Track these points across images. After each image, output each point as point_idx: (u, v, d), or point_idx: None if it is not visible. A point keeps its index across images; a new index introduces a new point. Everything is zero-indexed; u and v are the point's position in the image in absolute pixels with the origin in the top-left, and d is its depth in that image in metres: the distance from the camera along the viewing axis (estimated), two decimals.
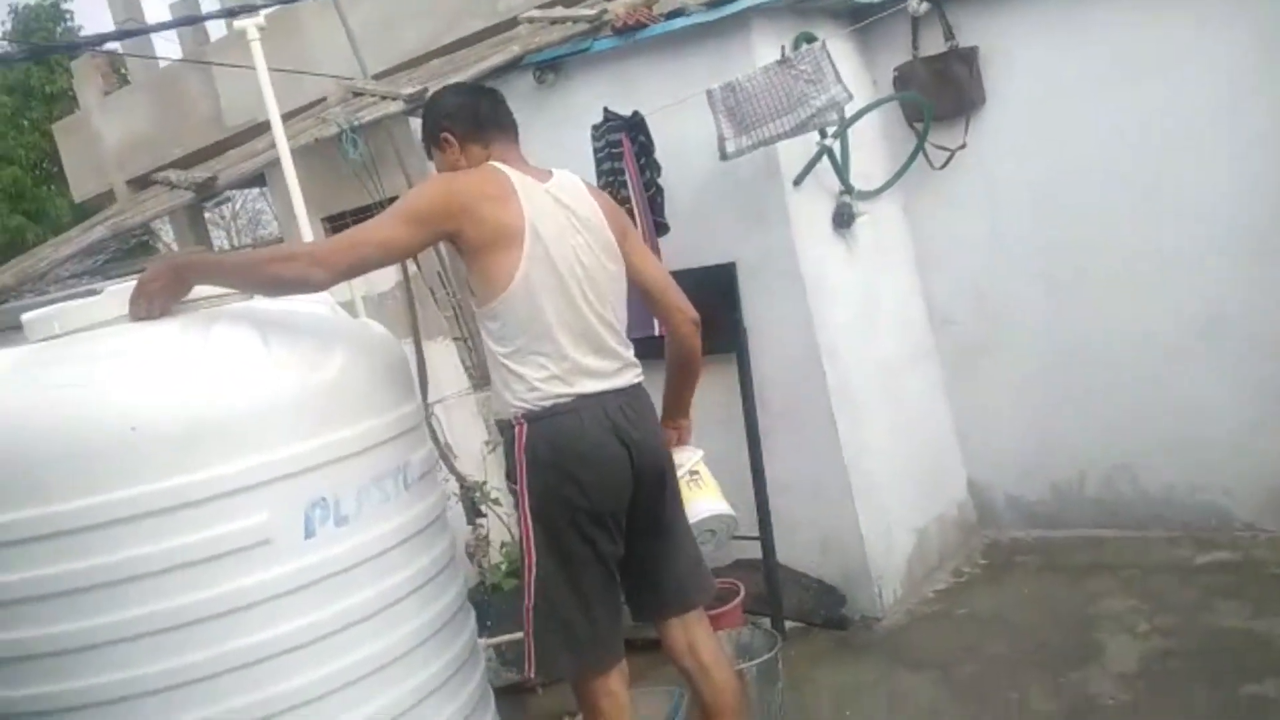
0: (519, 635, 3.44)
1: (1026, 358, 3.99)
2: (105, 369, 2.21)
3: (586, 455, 2.33)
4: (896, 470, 3.87)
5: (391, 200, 4.38)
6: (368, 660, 2.29)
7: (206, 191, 3.59)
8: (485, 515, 3.93)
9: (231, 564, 2.16)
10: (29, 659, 2.13)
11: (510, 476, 2.41)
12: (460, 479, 3.87)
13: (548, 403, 2.34)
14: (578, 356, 2.36)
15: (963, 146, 3.88)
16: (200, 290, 2.39)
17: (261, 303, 2.68)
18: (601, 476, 2.34)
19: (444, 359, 4.24)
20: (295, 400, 2.29)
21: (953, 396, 4.19)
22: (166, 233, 9.66)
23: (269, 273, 2.31)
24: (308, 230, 3.26)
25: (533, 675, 2.44)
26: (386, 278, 4.10)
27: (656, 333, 3.52)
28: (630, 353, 2.51)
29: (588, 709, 2.44)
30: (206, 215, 10.84)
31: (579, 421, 2.33)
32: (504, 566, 3.82)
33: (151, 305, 2.26)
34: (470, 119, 2.47)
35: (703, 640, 2.53)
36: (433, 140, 2.51)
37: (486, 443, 4.15)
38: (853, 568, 3.69)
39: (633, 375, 2.48)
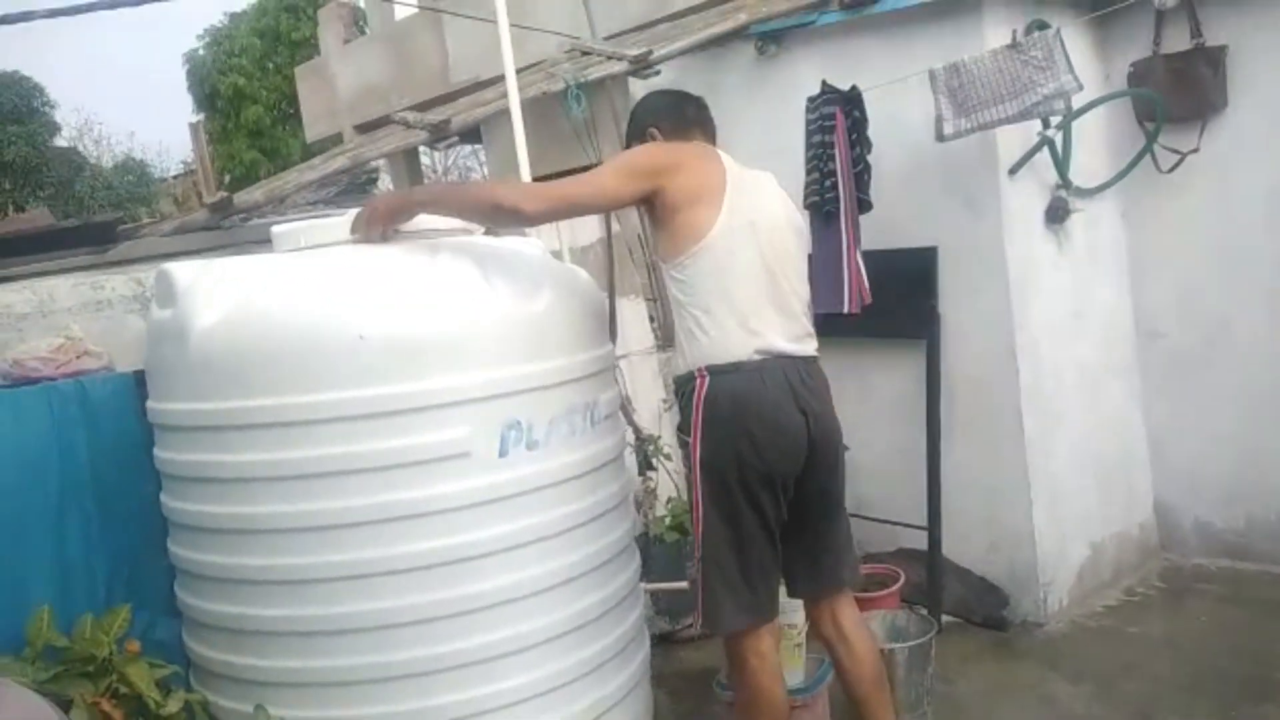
0: (674, 585, 3.62)
1: (1235, 379, 3.77)
2: (342, 281, 2.44)
3: (765, 414, 2.36)
4: (1081, 480, 3.75)
5: (599, 163, 4.58)
6: (549, 575, 2.46)
7: (439, 134, 3.82)
8: (655, 469, 4.06)
9: (435, 470, 2.36)
10: (253, 533, 2.40)
11: (684, 429, 2.44)
12: (637, 430, 4.01)
13: (731, 358, 2.39)
14: (765, 316, 2.40)
15: (1195, 150, 3.68)
16: (422, 222, 2.59)
17: (481, 238, 2.88)
18: (777, 438, 2.37)
19: (634, 316, 4.38)
20: (504, 328, 2.47)
21: (1150, 412, 4.01)
22: (385, 181, 10.26)
23: (488, 196, 2.51)
24: (528, 179, 3.43)
25: (700, 626, 2.50)
26: (590, 232, 4.27)
27: (845, 309, 3.57)
28: (811, 324, 2.54)
29: (737, 666, 2.50)
30: (424, 164, 11.45)
31: (761, 380, 2.36)
32: (667, 520, 3.94)
33: (373, 226, 2.48)
34: (677, 118, 2.63)
35: (846, 611, 2.58)
36: (638, 137, 2.64)
37: (664, 400, 4.27)
38: (1020, 570, 3.62)
39: (813, 346, 2.52)
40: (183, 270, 2.53)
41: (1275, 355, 3.67)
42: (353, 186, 5.00)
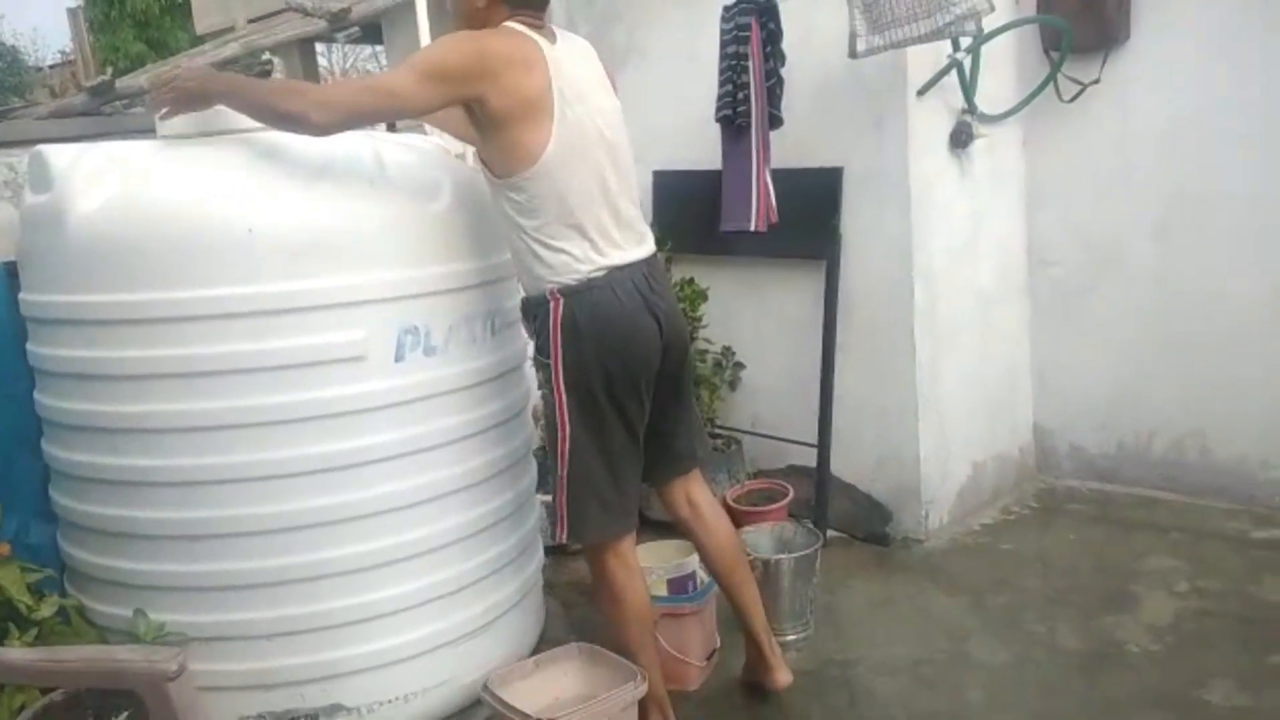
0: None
1: (1120, 310, 3.92)
2: (232, 172, 2.33)
3: (623, 328, 2.34)
4: (966, 402, 3.87)
5: None
6: (441, 482, 2.45)
7: (339, 23, 3.65)
8: None
9: (328, 372, 2.31)
10: (137, 433, 2.31)
11: (542, 351, 2.38)
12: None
13: (581, 276, 2.32)
14: (607, 228, 2.35)
15: (1096, 81, 3.75)
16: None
17: (380, 135, 2.77)
18: (636, 348, 2.37)
19: None
20: (400, 228, 2.41)
21: (1036, 339, 4.15)
22: (278, 74, 9.79)
23: (273, 104, 2.24)
24: None
25: (564, 539, 2.50)
26: None
27: (752, 228, 3.58)
28: (642, 217, 2.49)
29: (603, 575, 2.49)
30: (321, 65, 10.94)
31: (613, 295, 2.33)
32: None
33: (176, 104, 2.31)
34: None
35: (698, 492, 2.65)
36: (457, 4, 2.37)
37: None
38: (904, 488, 3.74)
39: (650, 243, 2.48)
40: (60, 153, 2.39)
41: (1157, 289, 3.82)
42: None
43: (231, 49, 3.91)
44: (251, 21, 9.31)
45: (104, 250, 2.26)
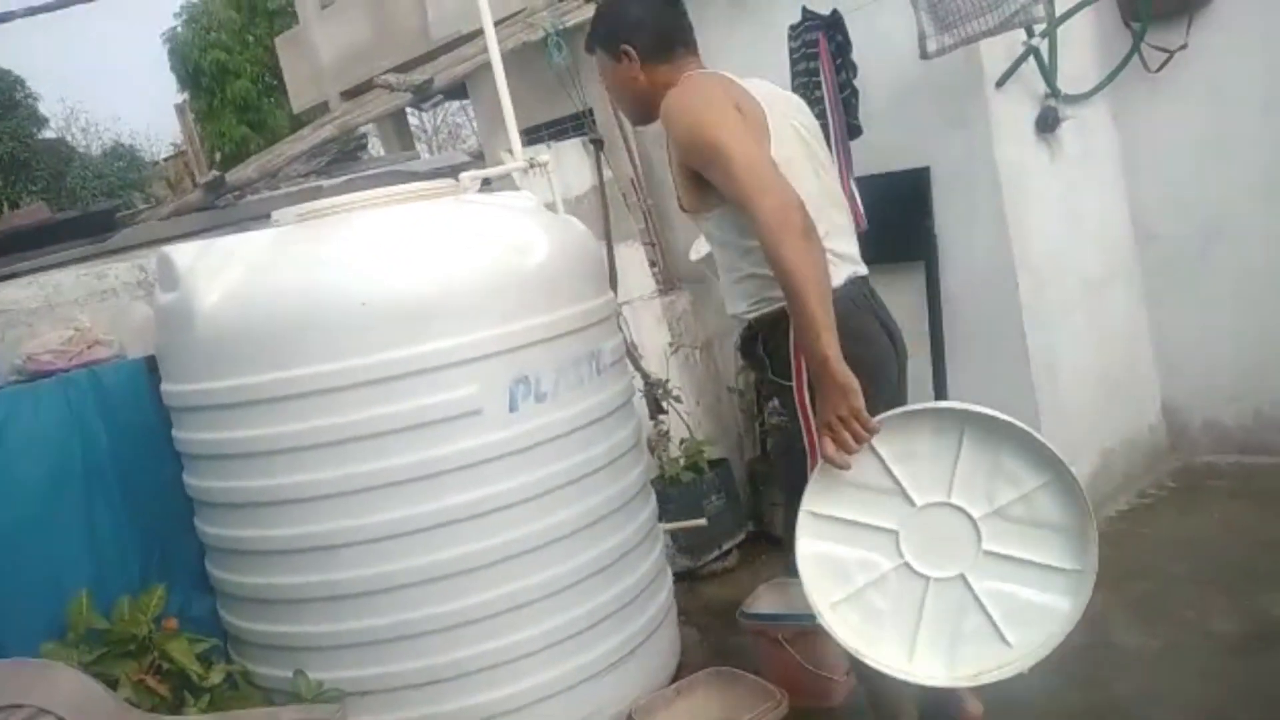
0: (692, 524, 3.68)
1: (1233, 276, 3.77)
2: (338, 250, 2.47)
3: (866, 340, 2.16)
4: (1087, 391, 3.77)
5: (588, 111, 4.55)
6: (566, 523, 2.53)
7: (423, 93, 3.82)
8: (666, 412, 4.11)
9: (447, 430, 2.41)
10: (274, 505, 2.46)
11: (780, 373, 2.16)
12: (645, 376, 4.05)
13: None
14: (837, 239, 2.20)
15: (1183, 47, 3.64)
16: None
17: (476, 198, 2.89)
18: (878, 361, 2.20)
19: (633, 262, 4.39)
20: (503, 285, 2.50)
21: (1153, 315, 4.02)
22: (375, 145, 10.24)
23: (818, 276, 1.97)
24: (515, 133, 3.42)
25: None
26: (583, 181, 4.26)
27: None
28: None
29: None
30: (413, 124, 11.37)
31: (854, 307, 2.16)
32: (681, 461, 3.99)
33: (847, 428, 1.97)
34: (655, 34, 2.25)
35: None
36: (608, 49, 2.30)
37: (670, 344, 4.30)
38: None
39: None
40: (182, 253, 2.56)
41: (1268, 252, 3.67)
42: (343, 154, 5.00)
43: (328, 130, 4.13)
44: (342, 93, 9.78)
45: (228, 339, 2.42)
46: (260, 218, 2.97)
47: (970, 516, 2.02)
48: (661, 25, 2.28)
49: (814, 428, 2.07)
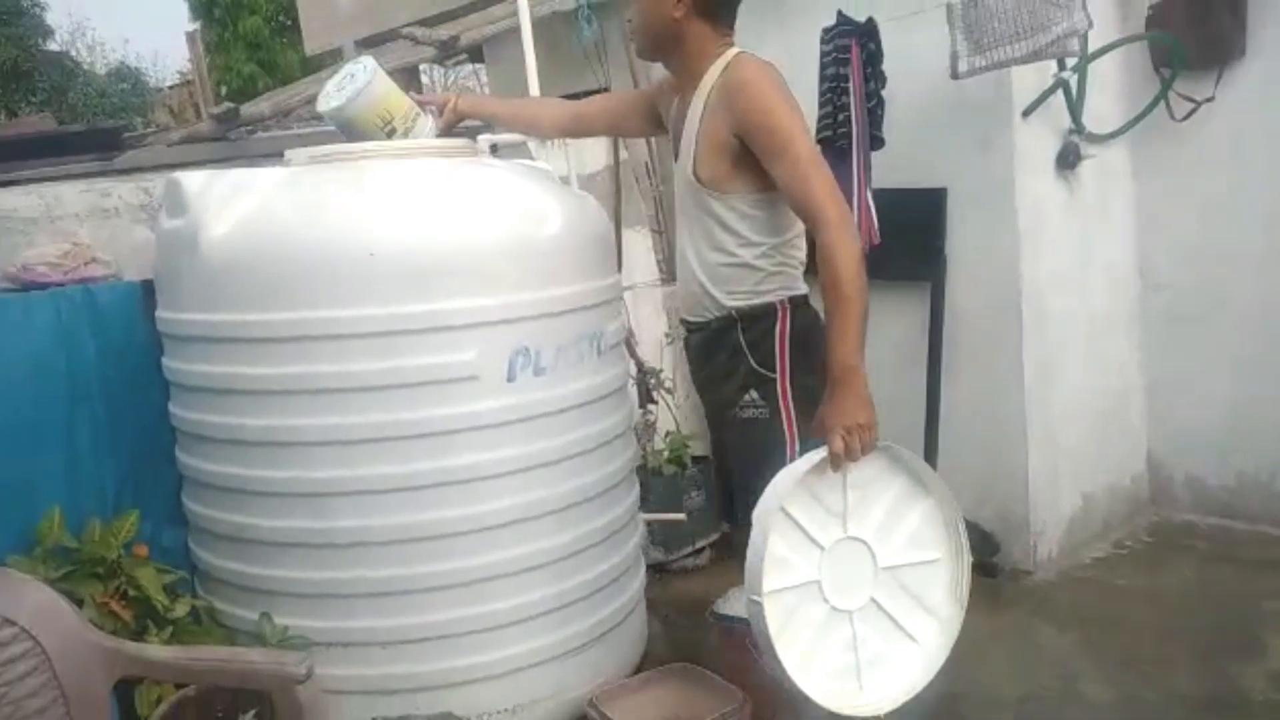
0: (671, 516, 3.68)
1: (1234, 336, 3.78)
2: (353, 198, 2.43)
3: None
4: (1077, 430, 3.78)
5: (609, 89, 4.51)
6: (549, 500, 2.51)
7: (448, 50, 3.77)
8: (656, 402, 4.09)
9: (441, 392, 2.39)
10: (262, 445, 2.42)
11: (765, 365, 2.27)
12: (639, 363, 4.03)
13: (802, 291, 2.31)
14: (804, 248, 2.32)
15: (1210, 99, 3.64)
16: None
17: (493, 161, 2.86)
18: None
19: (640, 247, 4.37)
20: (514, 253, 2.48)
21: (1149, 366, 4.03)
22: None
23: (862, 283, 2.10)
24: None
25: None
26: (597, 159, 4.23)
27: None
28: None
29: None
30: (424, 82, 11.24)
31: (818, 315, 2.24)
32: (665, 453, 3.98)
33: (860, 439, 2.02)
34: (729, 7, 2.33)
35: None
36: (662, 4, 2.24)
37: (666, 335, 4.28)
38: (1012, 518, 3.66)
39: None
40: (193, 179, 2.51)
41: (1270, 313, 3.68)
42: None
43: None
44: (358, 42, 9.64)
45: (234, 272, 2.38)
46: (273, 155, 2.92)
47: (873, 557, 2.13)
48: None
49: (794, 419, 2.22)
